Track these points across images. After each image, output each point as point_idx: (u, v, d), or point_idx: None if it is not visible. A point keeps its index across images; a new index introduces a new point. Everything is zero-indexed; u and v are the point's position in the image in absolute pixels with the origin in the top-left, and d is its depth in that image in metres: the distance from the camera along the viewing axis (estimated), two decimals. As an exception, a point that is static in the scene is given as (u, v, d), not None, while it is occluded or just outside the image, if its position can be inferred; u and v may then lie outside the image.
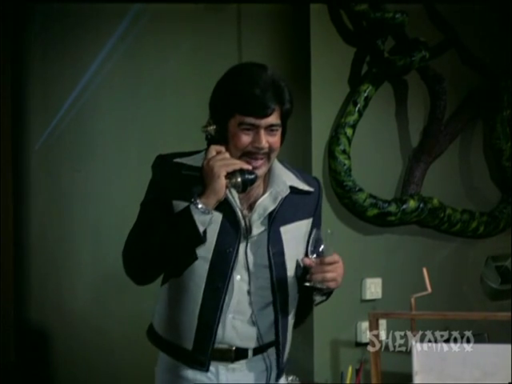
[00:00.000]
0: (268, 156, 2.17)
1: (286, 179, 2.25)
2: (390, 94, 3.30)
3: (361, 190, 3.13)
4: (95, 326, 3.43)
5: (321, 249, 2.14)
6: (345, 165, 3.09)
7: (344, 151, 3.09)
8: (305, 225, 2.29)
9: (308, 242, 2.18)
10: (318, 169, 3.10)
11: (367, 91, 3.14)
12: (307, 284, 2.15)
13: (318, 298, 2.28)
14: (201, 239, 2.12)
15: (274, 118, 2.13)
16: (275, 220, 2.21)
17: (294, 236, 2.25)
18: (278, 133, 2.17)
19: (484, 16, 3.53)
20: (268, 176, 2.23)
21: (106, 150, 3.48)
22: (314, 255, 2.14)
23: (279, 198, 2.21)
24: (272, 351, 2.26)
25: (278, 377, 2.28)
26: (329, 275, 2.13)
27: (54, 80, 3.54)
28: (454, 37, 3.45)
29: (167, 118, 3.37)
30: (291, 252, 2.24)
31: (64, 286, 3.54)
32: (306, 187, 2.29)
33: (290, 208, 2.24)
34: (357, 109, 3.12)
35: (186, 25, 3.36)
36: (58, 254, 3.56)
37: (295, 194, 2.25)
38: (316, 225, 2.28)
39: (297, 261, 2.26)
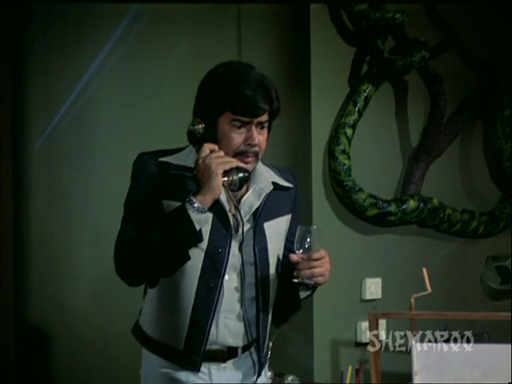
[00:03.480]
0: (257, 155, 2.19)
1: (268, 176, 2.27)
2: (390, 94, 3.30)
3: (361, 189, 3.13)
4: (95, 326, 3.44)
5: (307, 245, 2.14)
6: (345, 165, 3.09)
7: (344, 151, 3.09)
8: (285, 221, 2.31)
9: (292, 238, 2.20)
10: (317, 169, 3.10)
11: (367, 91, 3.13)
12: (295, 280, 2.16)
13: (303, 294, 2.28)
14: (198, 238, 2.13)
15: (264, 117, 2.16)
16: (260, 217, 2.23)
17: (276, 232, 2.27)
18: (266, 131, 2.20)
19: (484, 16, 3.53)
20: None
21: (106, 150, 3.48)
22: (301, 251, 2.15)
23: (263, 195, 2.23)
24: (254, 347, 2.27)
25: (260, 371, 2.29)
26: (317, 270, 2.14)
27: (54, 80, 3.54)
28: (453, 37, 3.44)
29: (167, 117, 3.37)
30: (273, 248, 2.26)
31: (64, 286, 3.54)
32: (285, 183, 2.31)
33: (272, 204, 2.25)
34: (357, 109, 3.12)
35: (186, 25, 3.36)
36: (58, 254, 3.57)
37: (276, 190, 2.27)
38: (294, 221, 2.30)
39: (277, 256, 2.28)
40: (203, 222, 2.12)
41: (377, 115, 3.24)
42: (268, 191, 2.24)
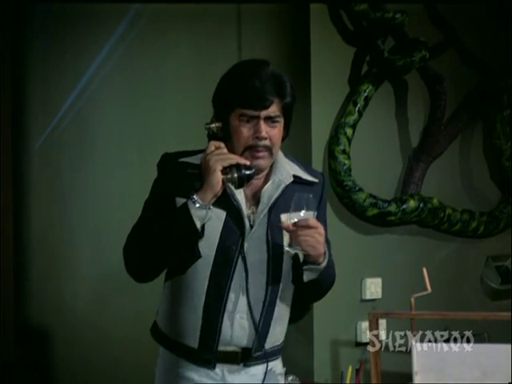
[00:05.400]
0: (270, 150, 2.17)
1: (290, 169, 2.25)
2: (390, 94, 3.30)
3: (361, 189, 3.13)
4: (95, 326, 3.43)
5: (302, 213, 2.11)
6: (345, 165, 3.09)
7: (344, 151, 3.10)
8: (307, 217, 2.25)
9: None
10: (317, 169, 3.09)
11: (367, 91, 3.14)
12: (286, 248, 2.13)
13: (306, 275, 2.18)
14: (198, 234, 2.13)
15: (273, 110, 2.14)
16: (276, 209, 2.19)
17: None
18: (279, 126, 2.17)
19: (484, 16, 3.53)
20: (271, 166, 2.22)
21: (107, 150, 3.48)
22: (294, 219, 2.11)
23: (282, 186, 2.20)
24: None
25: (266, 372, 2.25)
26: (301, 238, 2.09)
27: (54, 80, 3.54)
28: (453, 37, 3.44)
29: (167, 117, 3.37)
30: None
31: (64, 286, 3.54)
32: (309, 177, 2.28)
33: (292, 197, 2.19)
34: (357, 109, 3.12)
35: (186, 25, 3.36)
36: (58, 253, 3.56)
37: (298, 184, 2.24)
38: (320, 219, 2.24)
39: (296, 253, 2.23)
40: (204, 217, 2.11)
41: (377, 115, 3.24)
42: (287, 183, 2.21)
